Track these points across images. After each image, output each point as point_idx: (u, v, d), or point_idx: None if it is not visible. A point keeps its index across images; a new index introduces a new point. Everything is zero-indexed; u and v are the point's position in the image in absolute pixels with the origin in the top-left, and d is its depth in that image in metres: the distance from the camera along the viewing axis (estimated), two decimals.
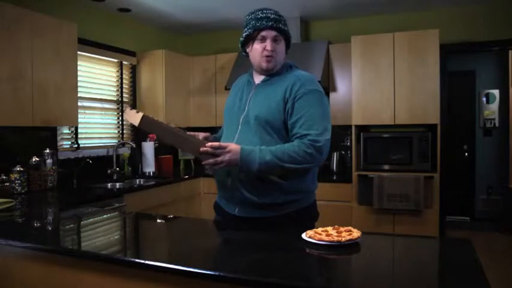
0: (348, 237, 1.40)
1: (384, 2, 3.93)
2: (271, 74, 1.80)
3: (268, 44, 1.73)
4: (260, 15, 1.73)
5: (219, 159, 1.59)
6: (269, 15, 1.73)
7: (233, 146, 1.61)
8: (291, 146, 1.63)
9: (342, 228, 1.50)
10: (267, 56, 1.74)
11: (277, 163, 1.60)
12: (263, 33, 1.73)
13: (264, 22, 1.71)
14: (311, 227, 1.55)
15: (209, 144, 1.60)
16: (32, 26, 2.84)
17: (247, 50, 1.82)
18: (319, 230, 1.50)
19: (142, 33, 4.54)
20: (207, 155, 1.60)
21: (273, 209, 1.73)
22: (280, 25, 1.74)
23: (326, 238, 1.41)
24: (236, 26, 4.53)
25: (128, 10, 4.01)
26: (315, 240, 1.41)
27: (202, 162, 1.63)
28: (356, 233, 1.44)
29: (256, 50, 1.76)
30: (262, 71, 1.81)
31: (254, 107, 1.76)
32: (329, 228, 1.51)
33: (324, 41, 4.15)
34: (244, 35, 1.78)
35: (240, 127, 1.78)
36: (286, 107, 1.70)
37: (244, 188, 1.72)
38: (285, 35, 1.78)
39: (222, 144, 1.61)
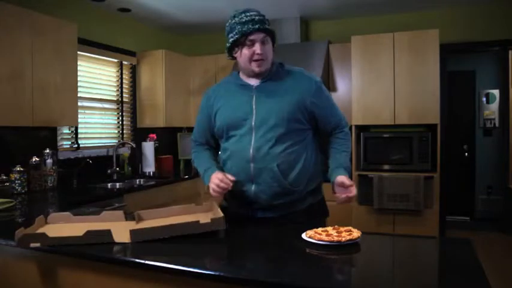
0: (348, 237, 1.40)
1: (383, 2, 3.93)
2: (267, 75, 1.77)
3: (257, 48, 1.68)
4: (244, 18, 1.67)
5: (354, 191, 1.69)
6: (254, 17, 1.67)
7: (346, 179, 1.71)
8: (343, 141, 1.86)
9: (342, 228, 1.50)
10: (258, 60, 1.70)
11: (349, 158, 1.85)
12: (251, 37, 1.67)
13: (250, 26, 1.66)
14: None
15: (347, 184, 1.68)
16: (32, 26, 2.84)
17: (235, 55, 1.76)
18: (319, 230, 1.50)
19: (143, 33, 4.54)
20: None
21: (290, 205, 1.76)
22: (266, 26, 1.70)
23: (326, 238, 1.41)
24: None
25: (128, 10, 4.01)
26: (315, 240, 1.41)
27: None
28: (356, 233, 1.44)
29: (246, 55, 1.71)
30: (254, 75, 1.77)
31: (267, 108, 1.72)
32: (329, 228, 1.51)
33: (324, 41, 4.15)
34: (231, 40, 1.71)
35: (254, 131, 1.72)
36: (306, 104, 1.74)
37: (269, 190, 1.71)
38: (271, 34, 1.74)
39: (346, 182, 1.69)
